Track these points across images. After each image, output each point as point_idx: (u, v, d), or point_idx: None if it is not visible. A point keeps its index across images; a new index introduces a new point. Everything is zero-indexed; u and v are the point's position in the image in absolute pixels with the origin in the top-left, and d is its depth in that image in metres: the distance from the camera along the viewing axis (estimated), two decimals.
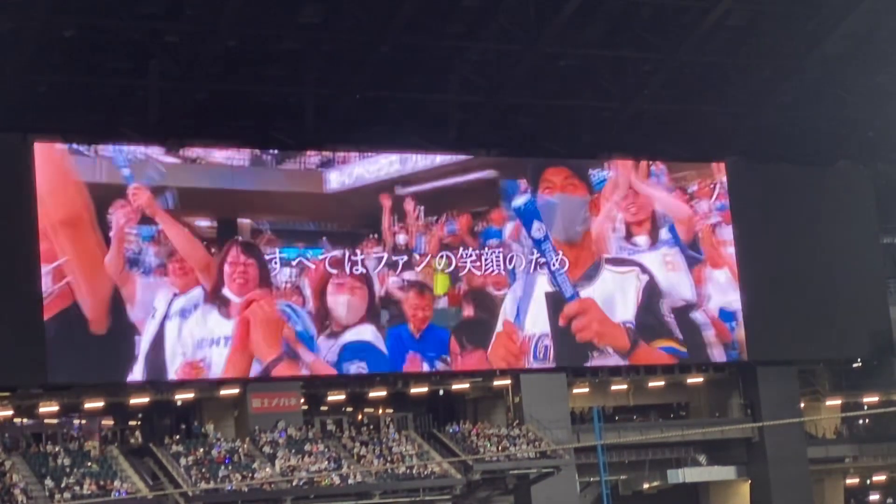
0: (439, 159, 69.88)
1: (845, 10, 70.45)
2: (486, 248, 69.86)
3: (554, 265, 70.76)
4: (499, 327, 69.46)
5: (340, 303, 66.23)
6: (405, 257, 67.95)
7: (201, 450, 61.77)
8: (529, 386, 70.07)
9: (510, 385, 70.78)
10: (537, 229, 70.94)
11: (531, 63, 68.58)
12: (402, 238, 68.11)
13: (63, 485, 56.96)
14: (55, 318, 59.88)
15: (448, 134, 70.71)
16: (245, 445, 62.80)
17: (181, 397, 64.43)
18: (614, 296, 72.15)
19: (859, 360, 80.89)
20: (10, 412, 61.89)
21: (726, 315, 74.49)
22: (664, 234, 74.02)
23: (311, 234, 66.50)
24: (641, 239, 73.43)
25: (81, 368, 60.57)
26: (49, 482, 56.95)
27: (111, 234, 61.67)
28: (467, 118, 70.92)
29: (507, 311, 69.74)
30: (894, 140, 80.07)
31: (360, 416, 69.92)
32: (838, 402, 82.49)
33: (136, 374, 61.75)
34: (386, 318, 67.17)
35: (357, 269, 66.62)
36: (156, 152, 63.55)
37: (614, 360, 72.14)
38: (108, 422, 64.64)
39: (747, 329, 74.84)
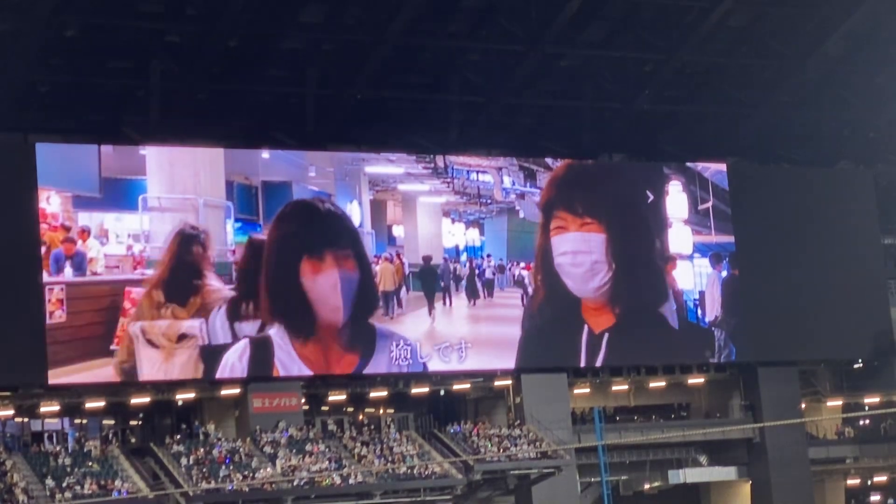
0: None
1: (846, 11, 70.48)
2: None
3: None
4: None
5: None
6: None
7: (202, 450, 61.73)
8: (530, 386, 70.01)
9: (511, 385, 70.73)
10: None
11: (532, 63, 68.59)
12: None
13: (64, 484, 56.97)
14: None
15: (449, 134, 70.78)
16: (246, 445, 62.78)
17: (182, 397, 64.31)
18: None
19: (860, 360, 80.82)
20: (10, 412, 61.87)
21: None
22: None
23: None
24: None
25: None
26: (50, 482, 56.95)
27: None
28: (468, 118, 70.93)
29: None
30: (895, 141, 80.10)
31: (360, 417, 69.88)
32: (839, 402, 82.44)
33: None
34: None
35: None
36: None
37: None
38: (108, 421, 64.67)
39: (748, 329, 74.89)
